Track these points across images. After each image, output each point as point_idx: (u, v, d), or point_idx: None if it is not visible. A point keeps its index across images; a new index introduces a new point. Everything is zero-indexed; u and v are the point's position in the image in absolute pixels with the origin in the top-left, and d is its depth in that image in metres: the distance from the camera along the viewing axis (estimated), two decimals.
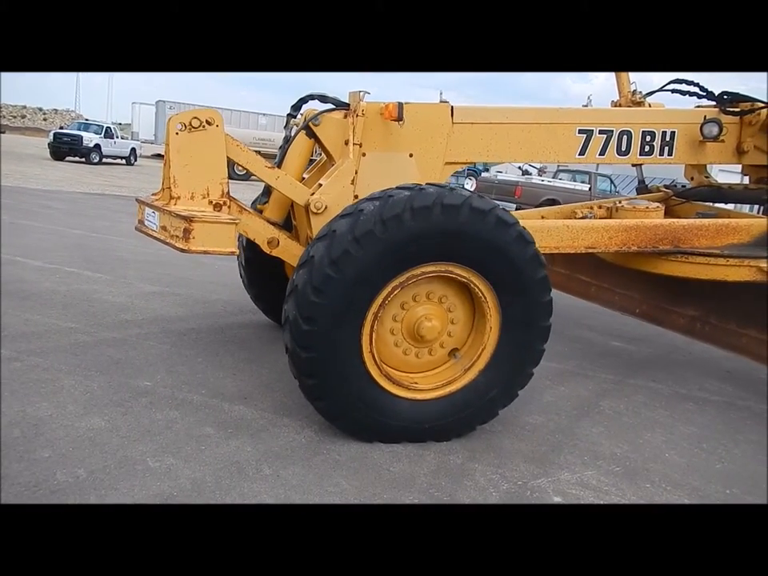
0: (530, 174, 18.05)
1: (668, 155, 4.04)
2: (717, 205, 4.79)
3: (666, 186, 5.06)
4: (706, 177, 4.86)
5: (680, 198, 4.75)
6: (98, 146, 23.40)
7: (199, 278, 5.74)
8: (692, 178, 4.93)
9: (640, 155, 3.97)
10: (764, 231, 3.71)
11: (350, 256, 2.52)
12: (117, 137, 25.33)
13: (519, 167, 27.46)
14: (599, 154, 3.89)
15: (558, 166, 17.46)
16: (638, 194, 5.09)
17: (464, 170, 20.62)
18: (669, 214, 4.65)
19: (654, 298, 4.91)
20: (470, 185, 20.89)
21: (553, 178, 17.74)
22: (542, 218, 4.35)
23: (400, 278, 2.68)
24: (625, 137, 3.90)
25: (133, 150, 26.01)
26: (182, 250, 2.77)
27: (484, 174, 19.32)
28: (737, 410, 3.94)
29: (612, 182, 17.23)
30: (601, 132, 3.77)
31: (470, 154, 3.54)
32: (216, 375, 3.42)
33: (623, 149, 3.92)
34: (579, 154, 3.84)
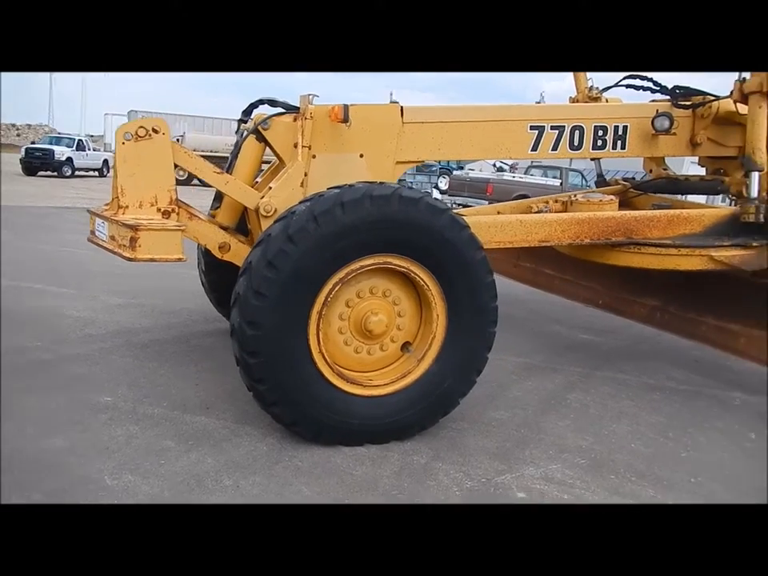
0: (503, 171, 18.16)
1: (621, 149, 4.09)
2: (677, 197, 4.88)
3: (624, 179, 5.13)
4: (665, 169, 4.93)
5: (638, 191, 4.82)
6: (69, 159, 23.27)
7: (165, 287, 5.69)
8: (651, 171, 5.01)
9: (593, 149, 4.02)
10: (715, 221, 3.77)
11: (285, 255, 2.56)
12: (89, 149, 25.18)
13: (494, 164, 27.69)
14: (552, 150, 3.93)
15: (532, 161, 17.59)
16: (597, 187, 5.16)
17: (436, 169, 20.71)
18: (627, 206, 4.71)
19: (615, 289, 4.98)
20: (443, 183, 21.02)
21: (525, 174, 17.88)
22: (498, 213, 4.39)
23: (339, 274, 2.71)
24: (577, 132, 3.94)
25: (105, 161, 25.75)
26: (129, 259, 2.77)
27: (456, 173, 19.38)
28: (703, 399, 3.99)
29: (584, 176, 17.39)
30: (552, 128, 3.82)
31: (422, 152, 3.57)
32: (178, 386, 3.40)
33: (576, 144, 3.97)
34: (532, 150, 3.89)
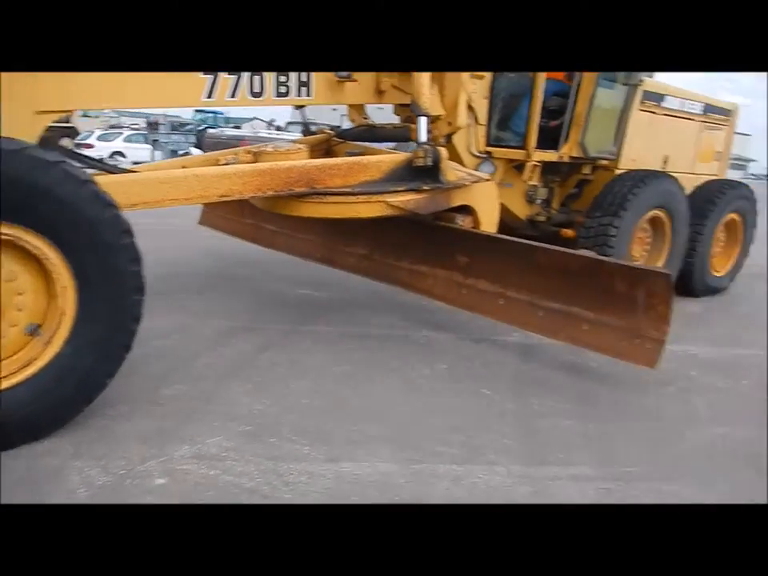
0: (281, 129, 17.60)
1: (307, 96, 3.92)
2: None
3: (331, 128, 5.04)
4: (365, 118, 4.92)
5: (340, 139, 4.75)
6: None
7: None
8: (353, 120, 4.97)
9: (276, 96, 3.78)
10: (393, 167, 3.78)
11: None
12: None
13: (270, 122, 26.85)
14: (230, 97, 3.61)
15: (291, 117, 17.26)
16: (304, 137, 5.00)
17: (193, 127, 19.48)
18: (332, 155, 4.63)
19: (330, 240, 4.92)
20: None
21: (279, 130, 17.57)
22: (183, 167, 3.99)
23: None
24: (257, 78, 3.66)
25: None
26: None
27: (211, 131, 18.42)
28: (394, 340, 4.08)
29: None
30: (230, 73, 3.50)
31: (72, 100, 3.02)
32: None
33: (256, 90, 3.70)
34: (207, 98, 3.52)
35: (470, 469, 2.52)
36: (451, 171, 3.77)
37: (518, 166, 5.07)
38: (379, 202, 3.64)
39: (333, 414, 2.99)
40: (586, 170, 5.38)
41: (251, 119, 30.46)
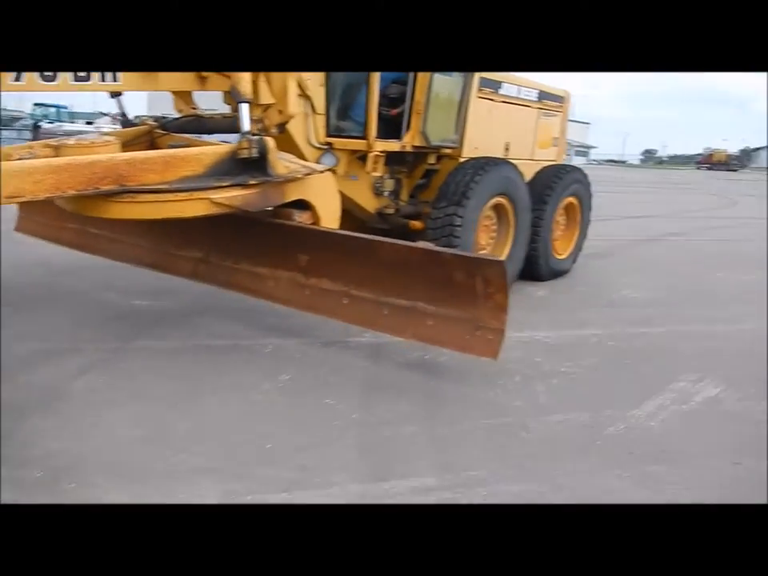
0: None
1: (113, 81, 3.46)
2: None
3: (155, 119, 4.56)
4: (193, 108, 4.49)
5: (163, 131, 4.29)
6: None
7: None
8: (180, 110, 4.52)
9: (74, 81, 3.29)
10: (216, 159, 3.42)
11: None
12: None
13: (115, 116, 24.78)
14: (14, 80, 3.09)
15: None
16: (123, 128, 4.49)
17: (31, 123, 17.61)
18: (155, 148, 4.16)
19: (161, 243, 4.45)
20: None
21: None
22: None
23: None
24: None
25: None
26: None
27: (47, 126, 16.74)
28: (237, 352, 3.74)
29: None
30: None
31: None
32: None
33: (50, 75, 3.20)
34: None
35: (300, 495, 2.26)
36: (281, 163, 3.48)
37: (363, 157, 4.88)
38: (201, 199, 3.27)
39: (153, 444, 2.62)
40: (432, 159, 5.31)
41: (99, 114, 28.23)
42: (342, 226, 5.38)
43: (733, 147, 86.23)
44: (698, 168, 68.30)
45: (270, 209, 3.72)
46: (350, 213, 5.31)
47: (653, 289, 5.99)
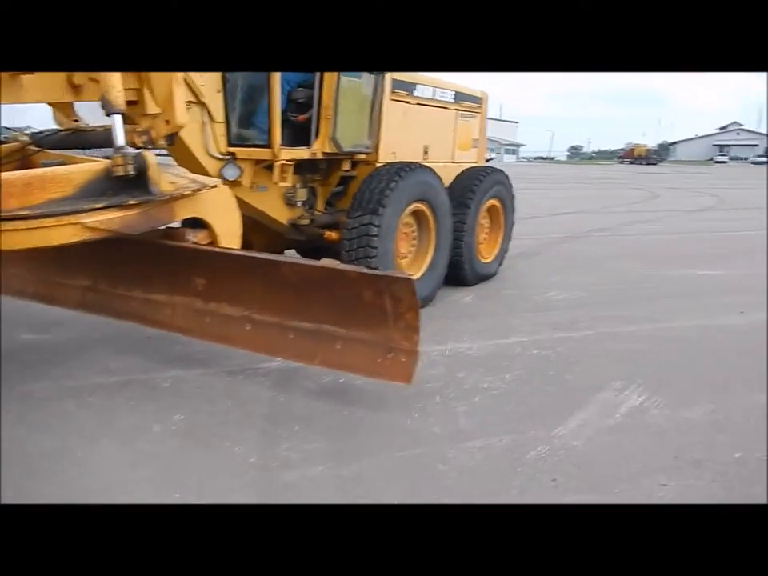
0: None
1: None
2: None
3: (30, 135, 4.09)
4: (75, 120, 4.07)
5: (37, 147, 3.85)
6: None
7: None
8: (61, 123, 4.09)
9: None
10: (88, 179, 3.03)
11: None
12: None
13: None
14: None
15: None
16: None
17: None
18: (30, 167, 3.72)
19: (43, 272, 4.02)
20: None
21: None
22: None
23: None
24: None
25: None
26: None
27: None
28: (132, 389, 3.36)
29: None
30: None
31: None
32: None
33: None
34: None
35: None
36: (166, 179, 3.13)
37: (270, 167, 4.56)
38: (72, 224, 2.89)
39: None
40: (346, 165, 5.04)
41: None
42: (256, 240, 5.12)
43: (651, 142, 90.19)
44: (621, 162, 70.90)
45: (161, 229, 3.37)
46: (265, 226, 5.00)
47: (579, 288, 5.91)
